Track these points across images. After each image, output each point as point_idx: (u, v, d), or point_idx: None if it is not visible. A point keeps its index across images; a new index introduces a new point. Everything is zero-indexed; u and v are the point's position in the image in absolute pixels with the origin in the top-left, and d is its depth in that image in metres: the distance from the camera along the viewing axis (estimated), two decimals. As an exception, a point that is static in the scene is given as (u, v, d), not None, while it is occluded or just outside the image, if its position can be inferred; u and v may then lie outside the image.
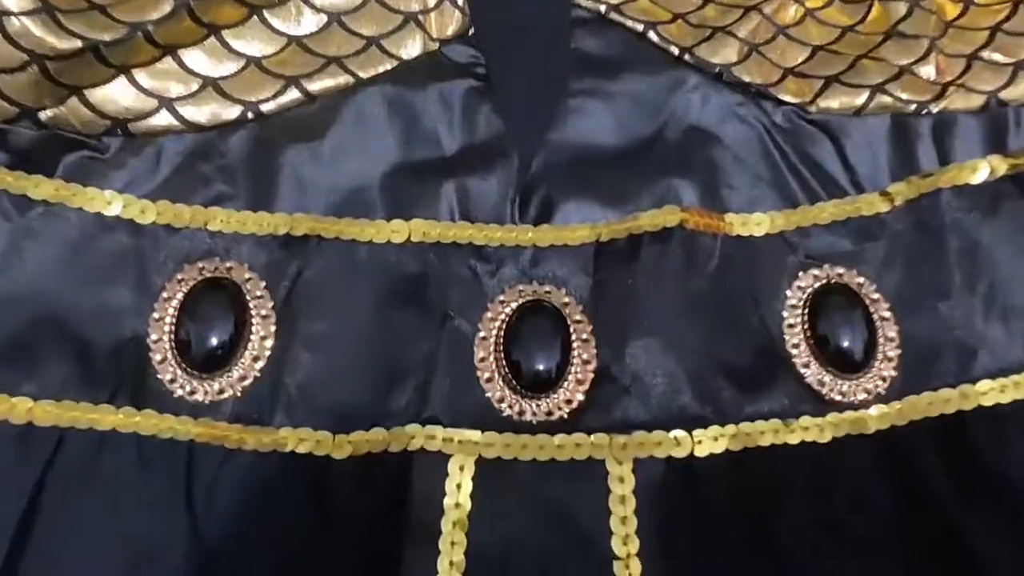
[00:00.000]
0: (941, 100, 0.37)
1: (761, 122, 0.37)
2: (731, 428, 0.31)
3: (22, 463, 0.29)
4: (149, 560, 0.29)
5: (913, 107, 0.37)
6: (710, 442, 0.31)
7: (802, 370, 0.33)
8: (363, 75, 0.37)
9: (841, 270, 0.34)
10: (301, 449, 0.31)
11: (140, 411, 0.31)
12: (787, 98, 0.37)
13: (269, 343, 0.32)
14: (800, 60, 0.39)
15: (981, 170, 0.34)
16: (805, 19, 0.39)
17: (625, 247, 0.33)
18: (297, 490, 0.30)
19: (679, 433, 0.31)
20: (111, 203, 0.33)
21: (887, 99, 0.37)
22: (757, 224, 0.35)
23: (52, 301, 0.32)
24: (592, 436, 0.31)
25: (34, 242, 0.32)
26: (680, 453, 0.31)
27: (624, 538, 0.29)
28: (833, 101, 0.38)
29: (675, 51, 0.38)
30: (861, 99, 0.37)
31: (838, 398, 0.33)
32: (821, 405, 0.32)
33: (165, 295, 0.32)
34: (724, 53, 0.38)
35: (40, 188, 0.32)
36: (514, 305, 0.33)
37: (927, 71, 0.38)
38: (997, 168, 0.34)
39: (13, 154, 0.33)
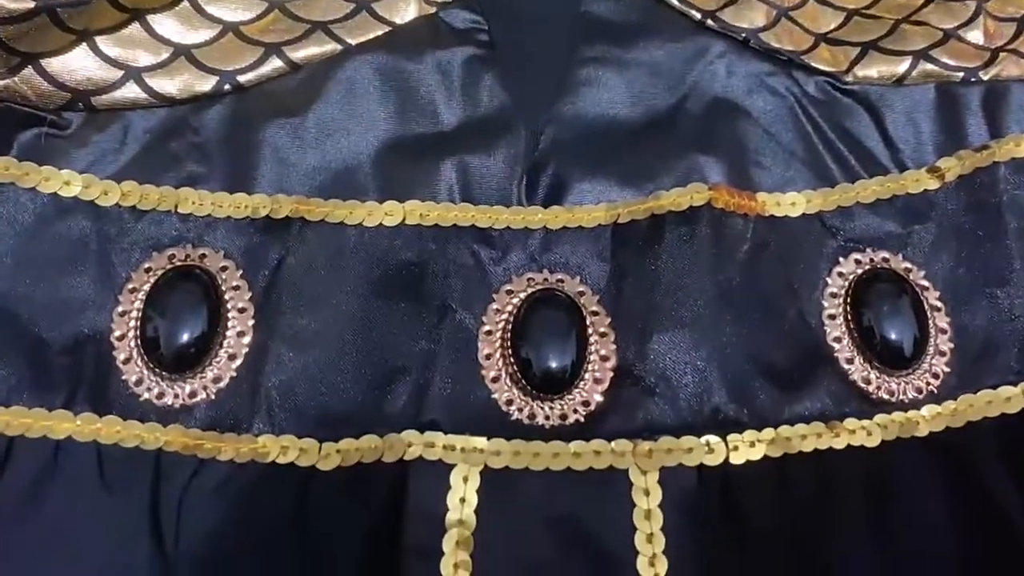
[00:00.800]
0: (991, 67, 0.34)
1: (792, 93, 0.34)
2: (769, 432, 0.28)
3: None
4: None
5: (960, 75, 0.34)
6: (747, 448, 0.27)
7: (845, 366, 0.29)
8: (352, 42, 0.33)
9: (886, 254, 0.31)
10: (283, 459, 0.27)
11: (101, 417, 0.27)
12: (820, 67, 0.34)
13: (247, 340, 0.28)
14: (834, 25, 0.35)
15: (1043, 142, 0.31)
16: (838, -20, 0.36)
17: (646, 229, 0.30)
18: (279, 505, 0.27)
19: (712, 438, 0.27)
20: (69, 183, 0.30)
21: (931, 67, 0.34)
22: (792, 204, 0.31)
23: (1, 292, 0.28)
24: (613, 443, 0.27)
25: (-19, 227, 0.28)
26: (713, 461, 0.27)
27: (651, 559, 0.26)
28: (871, 70, 0.34)
29: (697, 16, 0.35)
30: (902, 67, 0.34)
31: (886, 397, 0.29)
32: (867, 405, 0.29)
33: (130, 286, 0.29)
34: (751, 17, 0.35)
35: (-12, 167, 0.29)
36: (523, 295, 0.29)
37: (975, 35, 0.35)
38: (1060, 140, 0.31)
39: (-41, 130, 0.30)
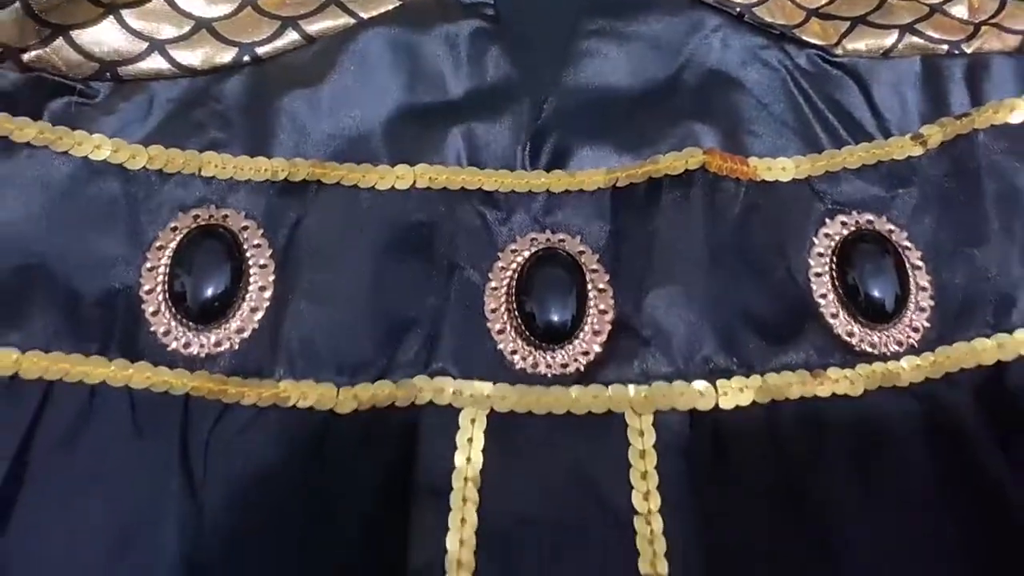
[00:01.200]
0: (974, 40, 0.35)
1: (784, 65, 0.35)
2: (757, 379, 0.30)
3: (7, 419, 0.28)
4: (141, 525, 0.28)
5: (945, 48, 0.35)
6: (736, 393, 0.29)
7: (830, 320, 0.31)
8: (364, 15, 0.35)
9: (871, 217, 0.32)
10: (303, 403, 0.29)
11: (133, 363, 0.29)
12: (811, 40, 0.36)
13: (268, 294, 0.30)
14: (824, 1, 0.37)
15: (1019, 109, 0.32)
16: (829, -43, 0.38)
17: (644, 192, 0.32)
18: (298, 448, 0.29)
19: (702, 384, 0.29)
20: (100, 147, 0.31)
21: (917, 40, 0.36)
22: (782, 169, 0.33)
23: (37, 250, 0.30)
24: (610, 388, 0.29)
25: (17, 188, 0.30)
26: (704, 405, 0.29)
27: (645, 494, 0.28)
28: (860, 43, 0.36)
29: (694, -9, 0.36)
30: (890, 40, 0.36)
31: (868, 349, 0.31)
32: (850, 356, 0.31)
33: (158, 244, 0.31)
34: (745, -8, 0.36)
35: (23, 131, 0.31)
36: (526, 254, 0.31)
37: (959, 10, 0.36)
38: (1036, 107, 0.33)
39: (-5, 97, 0.32)
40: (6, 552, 0.27)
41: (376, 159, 0.32)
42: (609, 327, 0.30)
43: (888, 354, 0.31)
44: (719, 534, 0.28)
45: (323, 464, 0.28)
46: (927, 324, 0.31)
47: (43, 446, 0.28)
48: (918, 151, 0.33)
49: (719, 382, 0.29)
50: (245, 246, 0.31)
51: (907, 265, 0.32)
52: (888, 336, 0.31)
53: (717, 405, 0.29)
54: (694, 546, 0.28)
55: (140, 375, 0.29)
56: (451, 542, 0.27)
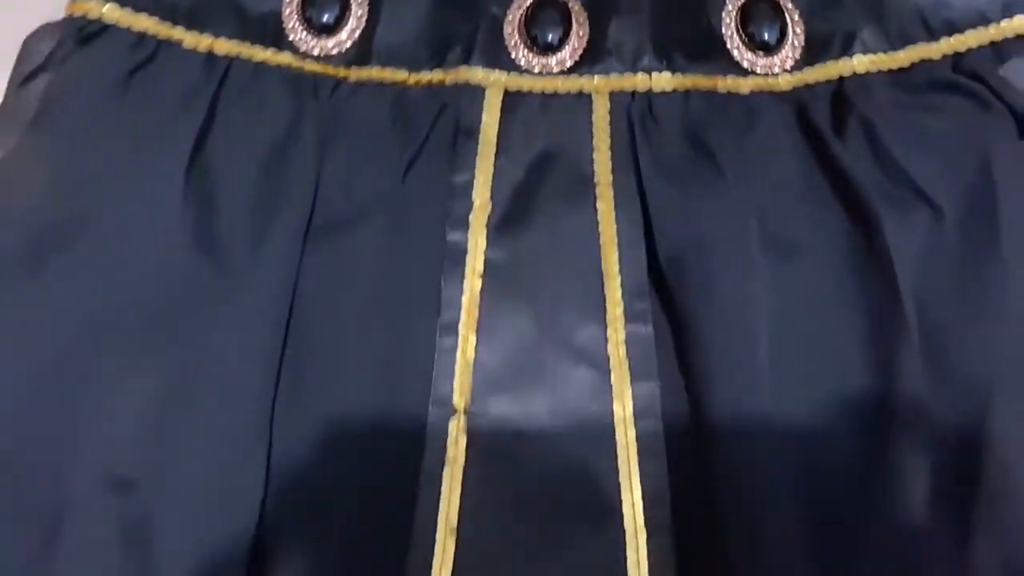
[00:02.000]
0: None
1: None
2: (679, 76, 0.46)
3: (206, 82, 0.45)
4: (287, 146, 0.44)
5: None
6: (664, 82, 0.46)
7: (734, 52, 0.47)
8: None
9: (767, -8, 0.48)
10: (388, 80, 0.46)
11: (281, 51, 0.46)
12: None
13: (364, 20, 0.47)
14: None
15: (871, -79, 0.48)
16: None
17: None
18: (385, 106, 0.45)
19: (642, 75, 0.46)
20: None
21: None
22: None
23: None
24: (583, 77, 0.46)
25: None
26: (642, 88, 0.46)
27: (600, 145, 0.44)
28: None
29: None
30: None
31: (759, 70, 0.47)
32: (745, 73, 0.46)
33: (293, -8, 0.47)
34: None
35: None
36: (531, 1, 0.47)
37: None
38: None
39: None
40: (203, 166, 0.44)
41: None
42: (585, 44, 0.46)
43: (771, 73, 0.47)
44: (648, 181, 0.44)
45: (399, 118, 0.45)
46: (798, 56, 0.47)
47: (226, 99, 0.45)
48: (802, -48, 0.49)
49: (653, 75, 0.46)
50: (349, -6, 0.47)
51: (788, 20, 0.47)
52: (772, 61, 0.47)
53: (651, 89, 0.46)
54: (631, 175, 0.44)
55: (286, 59, 0.46)
56: (478, 168, 0.44)
